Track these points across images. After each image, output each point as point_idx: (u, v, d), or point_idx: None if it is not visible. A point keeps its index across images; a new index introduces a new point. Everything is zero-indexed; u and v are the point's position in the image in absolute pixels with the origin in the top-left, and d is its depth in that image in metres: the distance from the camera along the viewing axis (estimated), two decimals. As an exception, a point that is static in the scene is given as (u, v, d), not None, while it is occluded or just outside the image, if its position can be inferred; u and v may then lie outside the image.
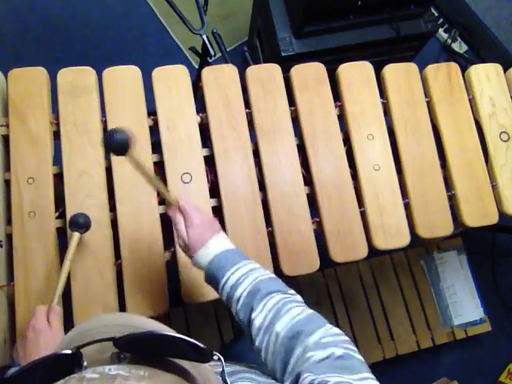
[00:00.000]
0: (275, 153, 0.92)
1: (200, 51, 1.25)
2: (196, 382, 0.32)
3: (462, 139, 0.97)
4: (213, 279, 0.61)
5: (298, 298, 0.55)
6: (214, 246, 0.63)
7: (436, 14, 1.86)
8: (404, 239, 0.91)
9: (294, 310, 0.51)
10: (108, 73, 0.92)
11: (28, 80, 0.90)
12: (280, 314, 0.51)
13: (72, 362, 0.30)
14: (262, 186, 0.91)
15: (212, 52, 1.17)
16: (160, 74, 0.93)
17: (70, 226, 0.75)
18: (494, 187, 0.96)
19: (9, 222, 0.84)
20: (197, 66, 1.39)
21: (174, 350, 0.32)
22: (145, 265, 0.83)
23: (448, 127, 0.97)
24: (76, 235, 0.75)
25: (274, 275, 0.59)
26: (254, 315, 0.53)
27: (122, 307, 0.81)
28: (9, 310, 0.81)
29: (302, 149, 0.94)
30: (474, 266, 1.55)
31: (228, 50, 1.28)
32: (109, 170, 0.87)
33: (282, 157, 0.92)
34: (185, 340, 0.31)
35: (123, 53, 1.82)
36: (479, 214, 0.94)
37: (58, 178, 0.88)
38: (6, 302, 0.81)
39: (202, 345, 0.31)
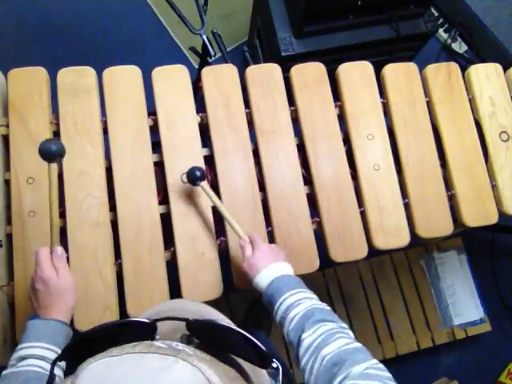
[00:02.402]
0: (275, 153, 0.92)
1: (200, 51, 1.25)
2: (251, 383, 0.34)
3: (462, 139, 0.97)
4: (271, 299, 0.63)
5: (350, 332, 0.56)
6: (276, 269, 0.67)
7: (436, 14, 1.85)
8: (404, 239, 0.91)
9: (343, 340, 0.52)
10: (108, 73, 0.92)
11: (28, 80, 0.90)
12: (329, 340, 0.52)
13: (147, 333, 0.33)
14: (262, 186, 0.91)
15: (212, 52, 1.17)
16: (160, 73, 0.93)
17: (44, 158, 0.65)
18: (494, 187, 0.96)
19: (9, 221, 0.85)
20: (197, 66, 1.39)
21: (239, 348, 0.34)
22: (145, 265, 0.83)
23: (448, 127, 0.97)
24: (53, 166, 0.66)
25: (329, 308, 0.61)
26: (303, 336, 0.54)
27: (122, 307, 0.81)
28: (9, 310, 0.81)
29: (302, 149, 0.94)
30: (474, 266, 1.55)
31: (228, 50, 1.28)
32: (109, 170, 0.87)
33: (281, 157, 0.92)
34: (252, 341, 0.33)
35: (123, 53, 1.82)
36: (479, 214, 0.94)
37: (58, 178, 0.88)
38: (6, 302, 0.81)
39: (265, 350, 0.33)
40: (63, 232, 0.84)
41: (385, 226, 0.90)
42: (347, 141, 0.96)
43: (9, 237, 0.84)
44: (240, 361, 0.35)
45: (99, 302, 0.81)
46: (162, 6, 1.87)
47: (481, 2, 1.85)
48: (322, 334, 0.53)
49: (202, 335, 0.33)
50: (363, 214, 0.91)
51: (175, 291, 0.84)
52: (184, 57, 1.85)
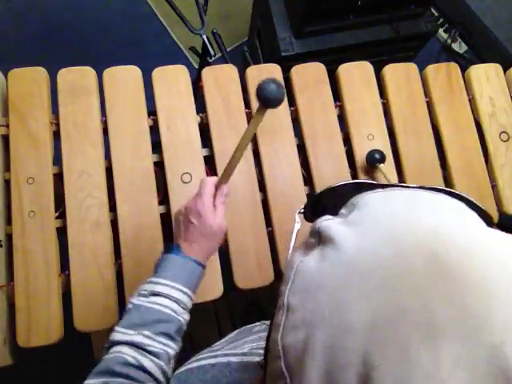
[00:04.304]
0: (275, 153, 0.92)
1: (200, 51, 1.25)
2: None
3: (462, 139, 0.97)
4: None
5: None
6: None
7: (436, 14, 1.85)
8: (404, 239, 0.91)
9: None
10: (108, 73, 0.92)
11: (28, 80, 0.90)
12: None
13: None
14: (262, 186, 0.91)
15: (212, 52, 1.18)
16: (160, 74, 0.93)
17: (260, 99, 0.54)
18: (494, 187, 0.96)
19: (9, 221, 0.85)
20: (197, 66, 1.39)
21: None
22: (145, 265, 0.83)
23: (448, 127, 0.97)
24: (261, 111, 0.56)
25: None
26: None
27: (122, 307, 0.81)
28: (9, 310, 0.81)
29: (302, 149, 0.94)
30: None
31: (228, 50, 1.28)
32: (109, 170, 0.88)
33: (282, 157, 0.92)
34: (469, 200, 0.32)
35: (123, 53, 1.82)
36: (479, 214, 0.94)
37: (58, 178, 0.88)
38: (6, 302, 0.81)
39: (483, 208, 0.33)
40: (63, 232, 0.84)
41: (385, 226, 0.90)
42: (347, 141, 0.96)
43: (9, 237, 0.84)
44: None
45: (99, 301, 0.81)
46: (162, 5, 1.87)
47: (481, 2, 1.85)
48: None
49: None
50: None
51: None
52: (184, 57, 1.85)
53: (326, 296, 0.24)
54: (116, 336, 0.52)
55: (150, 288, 0.56)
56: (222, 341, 0.57)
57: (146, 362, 0.50)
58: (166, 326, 0.53)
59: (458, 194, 0.31)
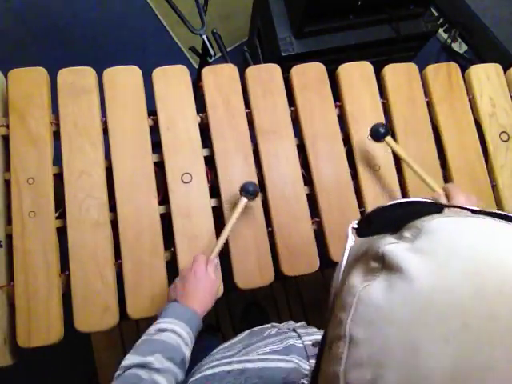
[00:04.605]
0: (275, 153, 0.92)
1: (200, 51, 1.25)
2: None
3: (462, 139, 0.97)
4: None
5: None
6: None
7: (436, 14, 1.85)
8: (404, 239, 0.91)
9: None
10: (108, 73, 0.92)
11: (28, 80, 0.90)
12: None
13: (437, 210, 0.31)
14: (262, 187, 0.91)
15: (212, 52, 1.18)
16: (160, 74, 0.93)
17: (241, 192, 0.81)
18: (494, 187, 0.96)
19: (9, 221, 0.85)
20: (197, 66, 1.39)
21: None
22: (145, 265, 0.83)
23: (448, 127, 0.97)
24: (244, 200, 0.81)
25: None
26: None
27: (122, 307, 0.81)
28: (9, 310, 0.81)
29: (302, 149, 0.94)
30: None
31: (228, 50, 1.28)
32: (109, 170, 0.88)
33: (281, 157, 0.92)
34: None
35: (123, 53, 1.82)
36: (479, 214, 0.94)
37: (58, 178, 0.88)
38: (6, 302, 0.81)
39: None
40: (63, 232, 0.84)
41: (385, 226, 0.90)
42: (347, 141, 0.96)
43: (9, 237, 0.84)
44: None
45: (99, 302, 0.81)
46: (162, 6, 1.87)
47: (481, 2, 1.85)
48: None
49: None
50: (363, 214, 0.91)
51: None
52: (184, 57, 1.85)
53: (397, 333, 0.22)
54: (126, 362, 0.55)
55: (154, 327, 0.61)
56: (230, 343, 0.57)
57: (160, 378, 0.53)
58: (171, 353, 0.57)
59: None
